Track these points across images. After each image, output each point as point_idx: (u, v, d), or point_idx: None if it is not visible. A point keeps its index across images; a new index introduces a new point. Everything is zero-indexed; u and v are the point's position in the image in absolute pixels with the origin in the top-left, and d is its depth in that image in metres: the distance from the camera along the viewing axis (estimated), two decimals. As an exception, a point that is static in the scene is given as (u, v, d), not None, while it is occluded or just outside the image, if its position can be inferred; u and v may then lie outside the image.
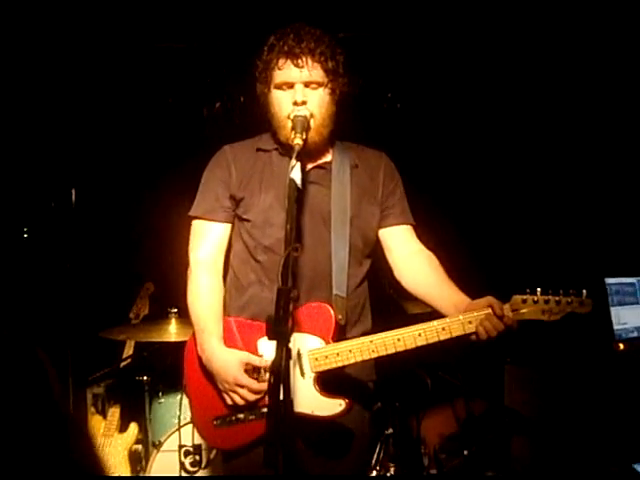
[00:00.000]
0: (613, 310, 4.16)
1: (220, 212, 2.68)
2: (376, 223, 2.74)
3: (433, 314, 2.59)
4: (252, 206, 2.64)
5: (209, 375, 2.57)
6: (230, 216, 2.69)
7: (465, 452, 3.99)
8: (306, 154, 2.51)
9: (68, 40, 4.32)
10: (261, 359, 2.51)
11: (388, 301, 3.91)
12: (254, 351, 2.55)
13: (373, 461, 3.94)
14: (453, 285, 2.64)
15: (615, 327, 4.15)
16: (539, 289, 2.43)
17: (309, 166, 2.63)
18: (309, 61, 2.50)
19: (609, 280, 4.21)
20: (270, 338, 2.02)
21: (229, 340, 2.58)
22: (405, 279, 2.75)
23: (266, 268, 2.62)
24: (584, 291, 2.43)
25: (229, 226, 2.71)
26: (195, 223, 2.72)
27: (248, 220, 2.65)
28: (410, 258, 2.75)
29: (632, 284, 4.30)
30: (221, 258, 2.71)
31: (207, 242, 2.69)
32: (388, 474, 3.90)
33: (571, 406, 3.89)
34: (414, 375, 4.07)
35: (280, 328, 1.98)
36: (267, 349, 2.52)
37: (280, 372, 1.92)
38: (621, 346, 4.08)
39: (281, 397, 1.96)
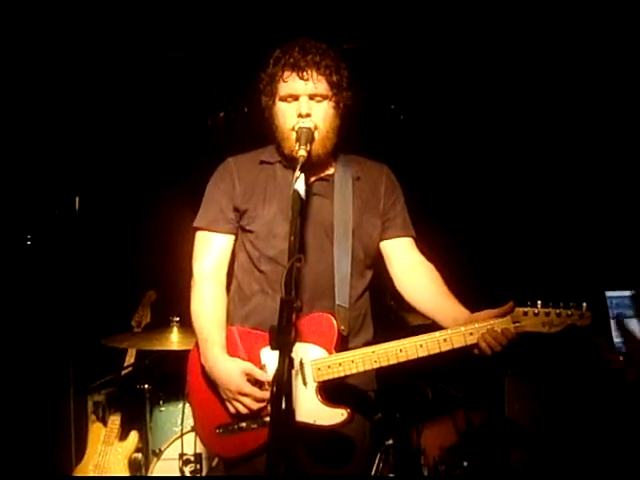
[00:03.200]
0: (613, 323, 4.17)
1: (224, 223, 2.71)
2: (377, 235, 2.76)
3: (433, 326, 2.60)
4: (256, 218, 2.66)
5: (212, 384, 2.58)
6: (234, 227, 2.72)
7: (465, 463, 3.99)
8: (309, 166, 2.52)
9: (74, 49, 4.34)
10: (263, 373, 2.52)
11: (389, 312, 3.92)
12: (257, 360, 2.57)
13: (373, 472, 3.94)
14: (453, 298, 2.65)
15: (615, 340, 4.15)
16: (539, 301, 2.44)
17: (312, 178, 2.65)
18: (314, 74, 2.52)
19: (609, 293, 4.21)
20: (273, 348, 2.03)
21: (232, 349, 2.60)
22: (406, 291, 2.77)
23: (270, 278, 2.63)
24: (584, 304, 2.43)
25: (232, 237, 2.74)
26: (199, 234, 2.75)
27: (252, 231, 2.67)
28: (411, 270, 2.76)
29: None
30: (224, 269, 2.73)
31: (211, 253, 2.72)
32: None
33: (571, 418, 3.89)
34: (414, 386, 4.06)
35: (283, 338, 1.99)
36: (270, 359, 2.54)
37: (283, 382, 1.93)
38: (621, 359, 4.07)
39: (283, 407, 1.96)
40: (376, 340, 2.62)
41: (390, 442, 3.93)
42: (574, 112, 4.59)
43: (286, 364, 1.95)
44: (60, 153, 4.66)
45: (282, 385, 1.93)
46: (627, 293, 4.27)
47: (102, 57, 4.45)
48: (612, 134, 4.58)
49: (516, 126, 4.68)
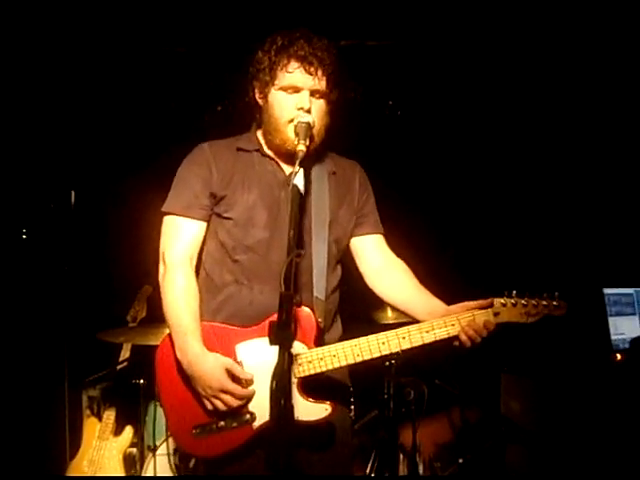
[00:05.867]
0: (611, 320, 4.18)
1: (198, 209, 2.60)
2: (350, 230, 2.76)
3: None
4: (235, 205, 2.60)
5: (187, 381, 2.48)
6: (207, 215, 2.63)
7: (460, 460, 3.99)
8: (287, 159, 2.55)
9: (70, 44, 4.33)
10: (244, 371, 2.46)
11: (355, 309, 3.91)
12: (232, 356, 2.49)
13: (368, 469, 3.94)
14: (427, 291, 2.67)
15: (613, 337, 4.17)
16: (515, 291, 2.47)
17: (288, 171, 2.62)
18: (319, 71, 2.50)
19: (607, 290, 4.23)
20: (273, 343, 1.99)
21: (207, 346, 2.49)
22: (379, 287, 2.77)
23: (245, 268, 2.58)
24: (556, 293, 2.47)
25: (205, 225, 2.64)
26: (169, 219, 2.63)
27: (230, 218, 2.60)
28: (383, 266, 2.77)
29: (630, 295, 4.33)
30: (195, 257, 2.63)
31: (183, 240, 2.60)
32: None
33: (567, 415, 3.89)
34: (410, 383, 4.06)
35: (283, 333, 1.98)
36: (246, 355, 2.49)
37: (283, 377, 1.91)
38: (618, 356, 4.09)
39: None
40: (347, 338, 2.56)
41: (385, 439, 3.94)
42: (572, 109, 4.60)
43: (286, 359, 1.94)
44: (56, 147, 4.64)
45: (282, 381, 1.92)
46: (625, 290, 4.29)
47: (98, 51, 4.43)
48: (610, 132, 4.59)
49: (513, 119, 4.68)
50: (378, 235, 2.81)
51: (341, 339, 2.57)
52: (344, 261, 2.79)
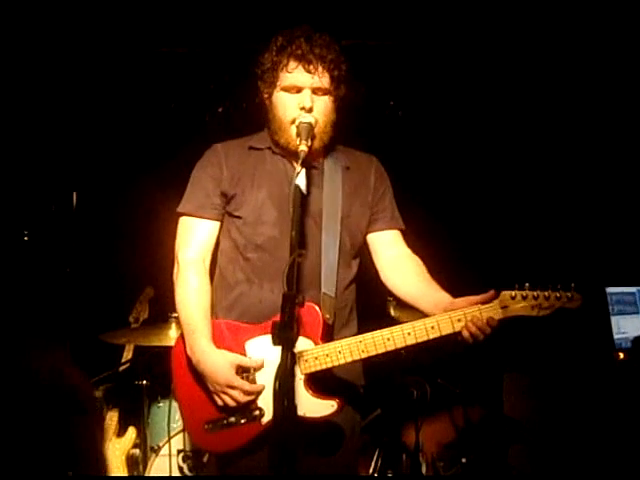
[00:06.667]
0: (613, 319, 4.18)
1: (210, 209, 2.66)
2: (365, 225, 2.76)
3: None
4: (244, 203, 2.63)
5: (199, 378, 2.53)
6: (220, 214, 2.68)
7: (463, 460, 3.99)
8: (296, 157, 2.51)
9: (71, 45, 4.33)
10: (251, 359, 2.49)
11: (373, 307, 3.90)
12: (242, 353, 2.53)
13: (371, 468, 3.94)
14: (436, 285, 2.66)
15: (615, 336, 4.16)
16: (527, 284, 2.43)
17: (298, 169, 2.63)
18: (319, 68, 2.51)
19: (610, 289, 4.22)
20: (275, 344, 2.01)
21: (218, 342, 2.54)
22: (390, 281, 2.77)
23: (256, 266, 2.61)
24: (572, 284, 2.42)
25: (218, 224, 2.69)
26: (183, 220, 2.69)
27: (240, 217, 2.63)
28: (396, 261, 2.77)
29: (632, 294, 4.32)
30: (209, 257, 2.68)
31: (196, 240, 2.66)
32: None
33: (570, 415, 3.89)
34: (413, 382, 4.06)
35: (286, 334, 1.98)
36: (255, 351, 2.52)
37: (286, 377, 1.92)
38: (621, 355, 4.09)
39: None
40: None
41: (388, 438, 3.93)
42: (574, 109, 4.59)
43: (288, 359, 1.94)
44: (57, 149, 4.64)
45: (285, 381, 1.92)
46: (627, 289, 4.29)
47: (99, 53, 4.44)
48: (612, 131, 4.58)
49: (514, 118, 4.68)
50: (394, 231, 2.81)
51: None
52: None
